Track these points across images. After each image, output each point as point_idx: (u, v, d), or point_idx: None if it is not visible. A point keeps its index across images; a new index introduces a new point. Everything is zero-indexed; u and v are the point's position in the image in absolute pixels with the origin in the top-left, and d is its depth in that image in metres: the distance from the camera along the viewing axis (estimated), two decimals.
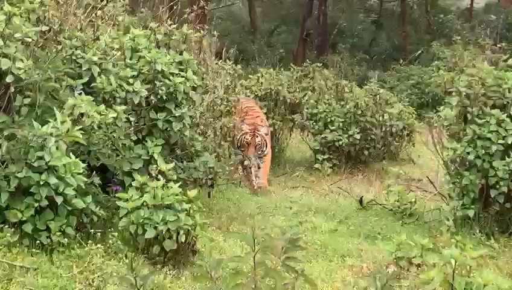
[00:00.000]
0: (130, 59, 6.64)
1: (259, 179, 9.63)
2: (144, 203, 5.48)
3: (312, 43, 25.33)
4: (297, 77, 13.46)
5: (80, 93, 5.87)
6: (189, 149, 7.09)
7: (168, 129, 6.55)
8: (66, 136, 5.03)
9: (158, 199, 5.47)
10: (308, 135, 11.43)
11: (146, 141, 6.42)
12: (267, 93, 11.15)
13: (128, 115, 6.31)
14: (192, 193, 5.56)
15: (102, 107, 5.84)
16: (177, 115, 6.49)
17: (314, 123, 11.03)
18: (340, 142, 10.75)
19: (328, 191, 9.61)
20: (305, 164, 11.28)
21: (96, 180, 5.93)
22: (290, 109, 11.52)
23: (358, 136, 10.76)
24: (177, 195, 5.56)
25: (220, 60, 12.49)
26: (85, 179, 5.32)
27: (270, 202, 8.90)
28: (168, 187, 5.58)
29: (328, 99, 11.06)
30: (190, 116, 6.68)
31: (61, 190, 5.17)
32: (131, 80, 6.28)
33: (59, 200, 5.16)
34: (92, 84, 6.19)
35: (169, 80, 6.50)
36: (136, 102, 6.27)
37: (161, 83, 6.35)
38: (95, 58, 6.21)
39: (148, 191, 5.53)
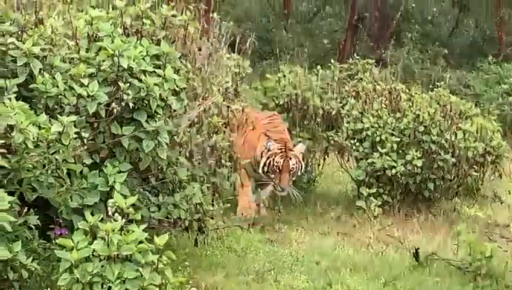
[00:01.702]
0: (87, 51, 6.63)
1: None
2: (94, 254, 5.44)
3: (366, 31, 25.26)
4: (339, 78, 13.44)
5: (10, 99, 5.88)
6: (169, 178, 7.05)
7: (137, 149, 6.51)
8: None
9: (113, 247, 5.42)
10: (348, 160, 11.34)
11: (105, 166, 6.38)
12: (291, 101, 11.09)
13: (81, 129, 6.30)
14: (161, 239, 5.50)
15: (43, 118, 5.84)
16: (149, 129, 6.45)
17: (357, 143, 10.94)
18: (394, 171, 10.65)
19: (372, 240, 9.51)
20: (344, 200, 11.20)
21: (32, 220, 5.92)
22: (325, 124, 11.45)
23: (419, 163, 10.65)
24: (140, 242, 5.51)
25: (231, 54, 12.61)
26: (11, 219, 5.30)
27: (289, 253, 8.87)
28: (128, 231, 5.53)
29: (377, 110, 10.96)
30: (169, 132, 6.64)
31: None
32: (85, 81, 6.27)
33: None
34: (30, 86, 6.19)
35: (140, 80, 6.48)
36: (91, 111, 6.26)
37: (127, 85, 6.32)
38: (36, 50, 6.22)
39: (102, 237, 5.49)
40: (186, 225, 6.86)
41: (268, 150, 9.76)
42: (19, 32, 6.34)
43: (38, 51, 6.23)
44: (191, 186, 7.24)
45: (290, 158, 9.88)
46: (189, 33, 7.11)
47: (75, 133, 6.05)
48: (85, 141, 6.23)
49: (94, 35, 6.70)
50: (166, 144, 6.63)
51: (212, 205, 7.27)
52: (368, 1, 24.57)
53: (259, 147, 9.83)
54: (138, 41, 6.80)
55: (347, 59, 15.28)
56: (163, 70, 6.70)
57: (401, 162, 10.68)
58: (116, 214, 5.60)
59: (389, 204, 10.79)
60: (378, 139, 10.82)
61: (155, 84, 6.58)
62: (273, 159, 9.82)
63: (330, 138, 11.23)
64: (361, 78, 13.89)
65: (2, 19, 6.30)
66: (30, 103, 6.23)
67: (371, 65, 14.50)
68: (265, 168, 9.84)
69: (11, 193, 5.65)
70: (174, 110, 6.81)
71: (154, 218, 6.61)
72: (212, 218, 7.37)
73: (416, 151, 10.71)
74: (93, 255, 5.46)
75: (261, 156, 9.84)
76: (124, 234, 5.54)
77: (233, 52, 13.06)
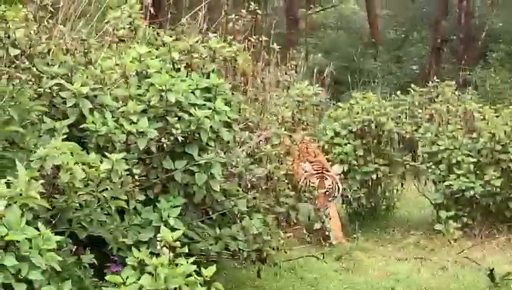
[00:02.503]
0: (138, 88, 6.64)
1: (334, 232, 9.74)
2: (143, 289, 5.38)
3: (453, 53, 24.88)
4: (419, 102, 13.24)
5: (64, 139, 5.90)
6: (229, 210, 6.97)
7: (190, 183, 6.46)
8: (20, 199, 5.03)
9: (160, 282, 5.35)
10: (426, 184, 11.10)
11: (159, 201, 6.35)
12: (364, 128, 10.90)
13: (133, 166, 6.28)
14: (208, 270, 5.41)
15: (93, 156, 5.84)
16: (201, 162, 6.39)
17: (433, 166, 10.69)
18: (472, 192, 10.35)
19: (450, 263, 9.23)
20: (423, 225, 10.93)
21: (87, 259, 5.91)
22: (401, 148, 11.24)
23: (498, 183, 10.34)
24: (188, 276, 5.43)
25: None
26: (59, 258, 5.28)
27: (365, 281, 8.68)
28: (176, 265, 5.46)
29: (451, 131, 10.70)
30: (222, 164, 6.57)
31: (23, 275, 5.15)
32: (135, 118, 6.26)
33: (20, 288, 5.13)
34: (81, 126, 6.22)
35: (190, 113, 6.44)
36: (141, 147, 6.24)
37: (175, 119, 6.29)
38: (85, 90, 6.24)
39: (150, 272, 5.43)
40: (245, 256, 6.71)
41: (305, 171, 9.71)
42: (69, 74, 6.33)
43: (87, 90, 6.21)
44: (249, 217, 7.12)
45: (326, 179, 9.90)
46: (238, 65, 7.02)
47: (126, 170, 6.02)
48: (136, 177, 6.15)
49: (144, 72, 6.67)
50: (220, 175, 6.52)
51: (271, 236, 7.10)
52: (453, 23, 24.17)
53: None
54: (188, 75, 6.76)
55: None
56: (214, 103, 6.64)
57: (480, 182, 10.37)
58: (164, 248, 5.53)
59: (469, 226, 10.48)
60: (454, 161, 10.54)
61: (206, 117, 6.51)
62: (309, 180, 9.77)
63: (406, 162, 10.96)
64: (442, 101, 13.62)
65: (53, 62, 6.32)
66: (82, 143, 6.25)
67: (450, 87, 14.17)
68: (302, 189, 9.61)
69: (61, 233, 5.64)
70: (227, 142, 6.71)
71: (214, 251, 6.48)
72: (274, 249, 7.18)
73: (494, 171, 10.38)
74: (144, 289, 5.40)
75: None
76: (172, 268, 5.46)
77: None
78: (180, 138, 6.29)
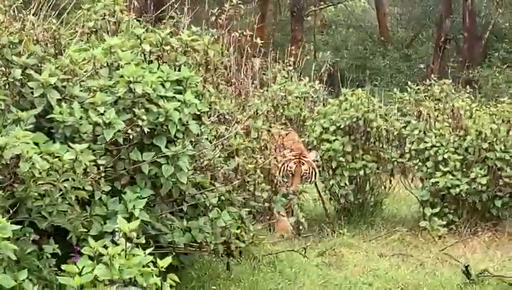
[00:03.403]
0: (110, 80, 6.58)
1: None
2: (99, 279, 5.32)
3: (457, 52, 24.73)
4: (416, 100, 13.16)
5: (27, 130, 5.85)
6: (199, 203, 6.93)
7: (158, 175, 6.40)
8: None
9: (115, 271, 5.29)
10: (412, 181, 11.01)
11: (125, 193, 6.30)
12: (352, 124, 10.80)
13: (100, 157, 6.24)
14: (164, 261, 5.36)
15: (57, 146, 5.80)
16: (168, 154, 6.33)
17: (420, 163, 10.60)
18: (458, 190, 10.25)
19: (431, 260, 9.15)
20: (409, 222, 10.85)
21: (48, 249, 5.87)
22: (389, 145, 11.14)
23: (484, 181, 10.23)
24: (145, 266, 5.37)
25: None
26: (14, 247, 5.24)
27: (344, 276, 8.63)
28: (132, 255, 5.41)
29: (439, 129, 10.60)
30: (192, 156, 6.51)
31: None
32: (102, 109, 6.21)
33: None
34: (48, 116, 6.18)
35: (158, 105, 6.38)
36: (107, 138, 6.19)
37: (142, 111, 6.23)
38: (53, 81, 6.19)
39: (105, 262, 5.38)
40: (212, 248, 6.65)
41: (284, 157, 9.88)
42: (38, 64, 6.29)
43: (54, 81, 6.16)
44: (220, 210, 7.07)
45: (303, 164, 10.12)
46: (210, 58, 6.96)
47: (92, 161, 5.98)
48: (102, 168, 6.10)
49: (115, 63, 6.62)
50: (187, 167, 6.46)
51: (242, 229, 7.04)
52: (458, 22, 24.02)
53: None
54: (159, 68, 6.71)
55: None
56: (183, 95, 6.58)
57: (466, 180, 10.26)
58: (121, 239, 5.48)
59: (455, 224, 10.39)
60: (441, 158, 10.44)
61: (175, 109, 6.45)
62: (287, 165, 10.04)
63: (393, 159, 10.87)
64: (439, 100, 13.57)
65: (22, 52, 6.27)
66: (50, 133, 6.21)
67: (448, 86, 14.12)
68: (280, 174, 9.83)
69: (21, 222, 5.61)
70: (197, 135, 6.65)
71: (179, 243, 6.43)
72: (243, 242, 7.12)
73: (481, 169, 10.27)
74: (97, 280, 5.34)
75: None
76: (128, 258, 5.41)
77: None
78: (146, 130, 6.21)
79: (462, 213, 10.45)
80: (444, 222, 10.17)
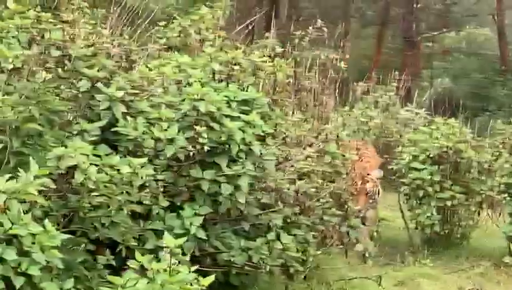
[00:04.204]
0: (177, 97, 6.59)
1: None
2: None
3: None
4: None
5: (93, 142, 5.92)
6: (260, 223, 6.85)
7: (217, 193, 6.36)
8: (20, 194, 5.04)
9: (157, 286, 5.26)
10: (500, 215, 10.61)
11: (183, 209, 6.27)
12: (442, 154, 10.51)
13: (161, 172, 6.25)
14: (206, 279, 5.29)
15: (116, 159, 5.83)
16: (228, 173, 6.28)
17: (509, 198, 10.21)
18: None
19: None
20: (496, 256, 10.44)
21: (102, 259, 5.90)
22: (480, 177, 10.79)
23: None
24: (188, 284, 5.32)
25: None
26: (60, 255, 5.26)
27: None
28: (177, 272, 5.37)
29: None
30: (252, 177, 6.44)
31: (22, 269, 5.16)
32: (165, 125, 6.21)
33: (18, 282, 5.14)
34: (112, 129, 6.23)
35: (222, 124, 6.34)
36: (168, 154, 6.19)
37: (204, 128, 6.19)
38: (120, 94, 6.24)
39: (149, 277, 5.36)
40: (267, 269, 6.54)
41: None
42: (108, 78, 6.35)
43: (121, 94, 6.21)
44: (287, 233, 6.97)
45: (367, 181, 9.89)
46: (277, 79, 6.88)
47: (151, 176, 5.99)
48: (160, 183, 6.11)
49: (184, 81, 6.63)
50: (247, 187, 6.39)
51: (303, 252, 6.91)
52: None
53: None
54: (226, 87, 6.68)
55: None
56: (249, 116, 6.53)
57: None
58: (166, 254, 5.45)
59: None
60: None
61: (239, 129, 6.41)
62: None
63: (482, 191, 10.51)
64: None
65: (92, 65, 6.35)
66: (115, 146, 6.27)
67: None
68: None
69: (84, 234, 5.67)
70: (261, 155, 6.57)
71: (235, 262, 6.36)
72: (304, 266, 6.98)
73: None
74: None
75: None
76: (171, 274, 5.37)
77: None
78: (206, 148, 6.18)
79: None
80: None
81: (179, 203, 6.39)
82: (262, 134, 6.54)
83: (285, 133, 6.79)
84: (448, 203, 10.50)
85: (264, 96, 6.67)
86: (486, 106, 28.09)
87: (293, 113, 7.68)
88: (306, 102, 8.43)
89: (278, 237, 6.71)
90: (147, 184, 6.04)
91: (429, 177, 10.53)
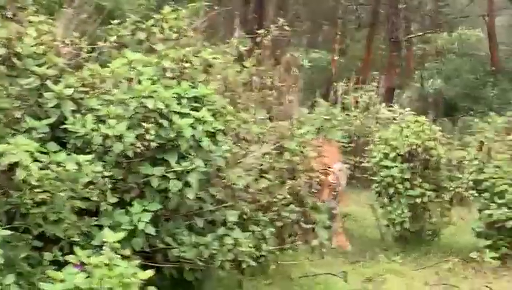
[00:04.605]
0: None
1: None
2: (80, 287, 5.29)
3: None
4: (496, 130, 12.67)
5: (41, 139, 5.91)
6: (216, 219, 6.83)
7: (167, 189, 6.34)
8: None
9: (95, 281, 5.25)
10: (470, 212, 10.61)
11: (132, 205, 6.26)
12: (412, 151, 10.49)
13: (111, 168, 6.23)
14: (144, 273, 5.27)
15: (61, 156, 5.81)
16: (178, 169, 6.26)
17: (477, 194, 10.18)
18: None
19: None
20: (465, 252, 10.42)
21: (49, 256, 5.89)
22: (450, 174, 10.78)
23: None
24: (127, 278, 5.31)
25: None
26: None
27: None
28: (115, 266, 5.35)
29: (499, 160, 10.17)
30: (204, 173, 6.41)
31: None
32: (113, 122, 6.20)
33: None
34: (61, 127, 6.21)
35: (171, 121, 6.32)
36: (116, 151, 6.16)
37: (151, 125, 6.18)
38: (68, 92, 6.22)
39: (88, 271, 5.34)
40: (218, 264, 6.52)
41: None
42: (59, 76, 6.34)
43: (70, 92, 6.19)
44: (243, 229, 6.96)
45: (330, 175, 10.14)
46: (227, 76, 6.86)
47: (99, 172, 5.98)
48: (106, 180, 6.08)
49: (135, 78, 6.61)
50: (196, 183, 6.36)
51: (256, 248, 6.89)
52: None
53: None
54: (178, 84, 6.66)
55: None
56: (200, 112, 6.51)
57: None
58: (107, 249, 5.43)
59: (510, 257, 9.90)
60: (498, 190, 9.98)
61: (190, 125, 6.39)
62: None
63: (451, 188, 10.49)
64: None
65: (43, 63, 6.34)
66: (64, 143, 6.25)
67: None
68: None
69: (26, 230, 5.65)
70: (211, 152, 6.55)
71: (185, 259, 6.35)
72: (256, 260, 6.96)
73: None
74: (78, 288, 5.30)
75: None
76: (110, 269, 5.35)
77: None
78: (153, 144, 6.16)
79: None
80: (497, 255, 9.66)
81: (128, 200, 6.34)
82: (212, 130, 6.50)
83: (235, 129, 6.74)
84: (418, 200, 10.50)
85: (215, 93, 6.62)
86: (477, 106, 28.07)
87: (255, 111, 7.66)
88: (269, 100, 8.39)
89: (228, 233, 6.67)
90: (95, 181, 6.01)
91: (399, 175, 10.50)
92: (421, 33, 29.87)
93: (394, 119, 13.16)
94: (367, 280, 9.27)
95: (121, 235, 5.47)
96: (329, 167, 10.18)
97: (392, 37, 23.77)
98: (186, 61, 6.74)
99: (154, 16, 7.98)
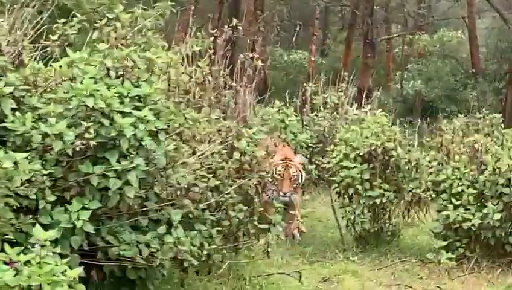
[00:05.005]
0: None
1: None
2: (9, 284, 5.29)
3: None
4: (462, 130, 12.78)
5: None
6: (163, 219, 6.84)
7: (107, 188, 6.35)
8: None
9: (23, 278, 5.25)
10: (427, 212, 10.65)
11: (70, 203, 6.26)
12: (371, 152, 10.52)
13: (51, 167, 6.24)
14: (73, 271, 5.28)
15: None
16: (117, 168, 6.27)
17: (433, 195, 10.22)
18: (469, 224, 9.81)
19: None
20: (423, 253, 10.45)
21: None
22: (409, 175, 10.80)
23: (498, 216, 9.74)
24: (57, 275, 5.31)
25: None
26: None
27: None
28: (45, 264, 5.36)
29: (458, 162, 10.20)
30: (145, 172, 6.42)
31: None
32: (53, 120, 6.20)
33: None
34: (1, 125, 6.21)
35: (112, 120, 6.33)
36: (56, 149, 6.17)
37: (90, 124, 6.18)
38: (8, 90, 6.23)
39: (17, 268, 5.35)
40: (158, 263, 6.53)
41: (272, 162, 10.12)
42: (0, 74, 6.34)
43: (9, 90, 6.20)
44: (190, 228, 6.98)
45: (290, 167, 10.45)
46: (170, 76, 6.88)
47: (38, 171, 5.99)
48: (46, 177, 6.09)
49: (79, 77, 6.62)
50: (137, 182, 6.37)
51: (200, 247, 6.90)
52: None
53: None
54: (120, 84, 6.68)
55: None
56: (142, 111, 6.52)
57: (479, 215, 9.81)
58: (37, 246, 5.44)
59: (466, 257, 9.93)
60: (455, 191, 10.02)
61: (131, 125, 6.40)
62: (276, 169, 10.36)
63: (409, 189, 10.53)
64: (488, 134, 13.21)
65: None
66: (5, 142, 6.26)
67: (498, 120, 13.72)
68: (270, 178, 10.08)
69: None
70: (154, 151, 6.56)
71: (125, 257, 6.36)
72: (199, 259, 6.96)
73: (496, 204, 9.81)
74: (7, 285, 5.31)
75: None
76: (40, 266, 5.36)
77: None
78: (92, 143, 6.17)
79: (475, 248, 9.93)
80: (452, 255, 9.68)
81: (68, 198, 6.34)
82: (154, 129, 6.51)
83: (178, 129, 6.74)
84: (377, 201, 10.49)
85: (158, 93, 6.63)
86: (458, 107, 28.13)
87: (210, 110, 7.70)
88: (223, 100, 8.41)
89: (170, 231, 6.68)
90: (33, 179, 6.01)
91: (358, 175, 10.52)
92: (396, 34, 29.88)
93: (363, 120, 13.14)
94: (323, 280, 9.25)
95: (52, 233, 5.48)
96: (290, 160, 10.51)
97: (366, 38, 23.81)
98: (129, 61, 6.72)
99: (108, 15, 7.97)
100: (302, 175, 10.66)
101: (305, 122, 14.68)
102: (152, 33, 8.17)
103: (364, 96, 16.67)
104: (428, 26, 34.03)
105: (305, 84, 14.69)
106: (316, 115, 14.70)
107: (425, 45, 33.27)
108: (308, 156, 13.62)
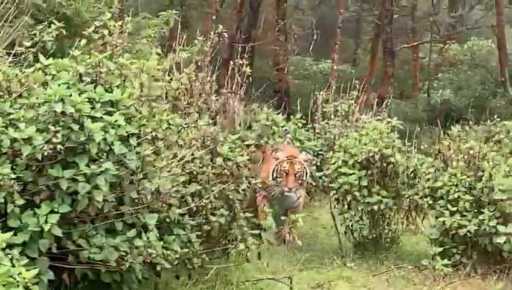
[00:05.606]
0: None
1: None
2: None
3: None
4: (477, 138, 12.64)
5: None
6: (138, 223, 6.86)
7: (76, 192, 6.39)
8: None
9: None
10: (424, 218, 10.54)
11: (39, 207, 6.31)
12: (369, 158, 10.45)
13: (21, 171, 6.30)
14: (29, 273, 5.30)
15: None
16: (86, 172, 6.31)
17: (430, 201, 10.12)
18: (465, 230, 9.69)
19: None
20: (420, 259, 10.33)
21: None
22: (408, 182, 10.72)
23: (493, 223, 9.61)
24: (12, 276, 5.35)
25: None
26: None
27: None
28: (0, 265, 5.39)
29: (455, 168, 10.09)
30: (115, 176, 6.45)
31: None
32: (22, 125, 6.26)
33: None
34: None
35: (82, 125, 6.38)
36: (25, 154, 6.23)
37: (58, 129, 6.23)
38: None
39: None
40: (127, 267, 6.54)
41: (277, 159, 10.58)
42: None
43: None
44: (169, 233, 7.00)
45: (295, 163, 10.66)
46: (142, 81, 6.90)
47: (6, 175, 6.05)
48: (14, 181, 6.15)
49: (51, 83, 6.68)
50: (106, 186, 6.40)
51: (172, 250, 6.90)
52: None
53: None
54: (93, 89, 6.72)
55: None
56: (113, 116, 6.56)
57: (475, 221, 9.69)
58: None
59: (463, 264, 9.80)
60: (452, 197, 9.91)
61: (102, 129, 6.44)
62: (281, 165, 10.61)
63: (407, 195, 10.44)
64: (499, 141, 13.10)
65: None
66: None
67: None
68: (275, 174, 10.64)
69: None
70: (124, 156, 6.59)
71: (95, 261, 6.39)
72: (172, 264, 6.96)
73: (494, 210, 9.69)
74: None
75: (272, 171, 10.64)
76: None
77: None
78: (60, 147, 6.21)
79: (471, 254, 9.80)
80: (449, 262, 9.55)
81: (38, 202, 6.39)
82: (125, 134, 6.54)
83: (151, 133, 6.75)
84: (375, 207, 10.42)
85: (131, 98, 6.66)
86: (486, 117, 27.75)
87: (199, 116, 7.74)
88: (211, 106, 8.42)
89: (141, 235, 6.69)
90: (1, 183, 6.08)
91: (356, 182, 10.46)
92: (416, 43, 29.63)
93: (363, 127, 13.05)
94: (316, 286, 9.20)
95: (9, 235, 5.52)
96: (295, 157, 10.71)
97: (386, 47, 23.67)
98: (102, 66, 6.76)
99: (96, 23, 8.04)
100: (306, 172, 10.86)
101: (317, 130, 14.63)
102: (147, 40, 8.21)
103: (382, 104, 16.57)
104: (459, 35, 33.70)
105: (316, 92, 14.62)
106: (326, 122, 14.64)
107: (456, 54, 32.92)
108: (319, 163, 13.51)
